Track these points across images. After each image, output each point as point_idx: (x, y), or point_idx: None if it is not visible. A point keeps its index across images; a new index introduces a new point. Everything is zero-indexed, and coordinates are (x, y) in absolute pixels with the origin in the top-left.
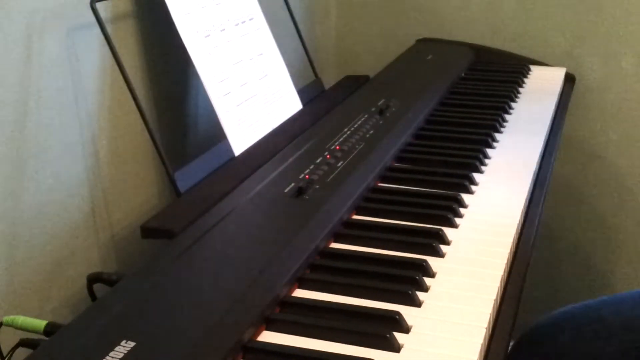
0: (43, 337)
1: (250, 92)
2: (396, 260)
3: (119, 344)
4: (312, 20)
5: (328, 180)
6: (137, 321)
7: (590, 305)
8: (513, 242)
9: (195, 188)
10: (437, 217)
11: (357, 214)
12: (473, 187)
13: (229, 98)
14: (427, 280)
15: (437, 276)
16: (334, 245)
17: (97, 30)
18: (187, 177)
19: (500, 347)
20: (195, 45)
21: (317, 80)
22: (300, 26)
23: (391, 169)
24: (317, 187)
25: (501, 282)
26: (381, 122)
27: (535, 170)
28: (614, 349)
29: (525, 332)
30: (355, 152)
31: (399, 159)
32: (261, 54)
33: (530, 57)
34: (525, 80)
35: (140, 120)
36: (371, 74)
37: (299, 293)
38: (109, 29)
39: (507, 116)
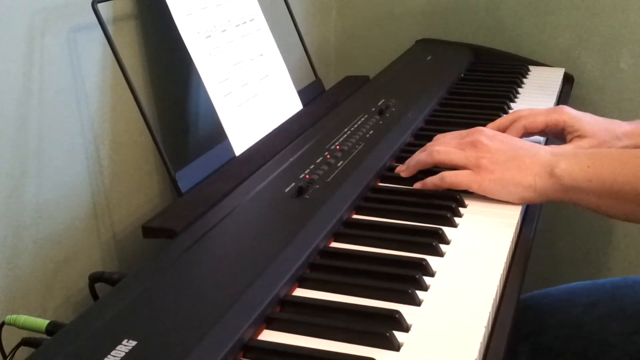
0: (45, 336)
1: (250, 92)
2: (396, 259)
3: (120, 343)
4: (312, 20)
5: (328, 180)
6: (138, 320)
7: (604, 284)
8: (512, 241)
9: (197, 188)
10: (436, 217)
11: (357, 214)
12: None
13: (229, 98)
14: (427, 280)
15: (436, 275)
16: (334, 244)
17: (99, 30)
18: (188, 177)
19: (499, 346)
20: (196, 46)
21: (317, 81)
22: (300, 27)
23: (391, 169)
24: (317, 186)
25: (500, 280)
26: (381, 122)
27: None
28: (629, 332)
29: (538, 294)
30: (355, 152)
31: (398, 159)
32: (262, 55)
33: (529, 57)
34: (525, 80)
35: (142, 121)
36: (371, 75)
37: (299, 292)
38: (111, 29)
39: None
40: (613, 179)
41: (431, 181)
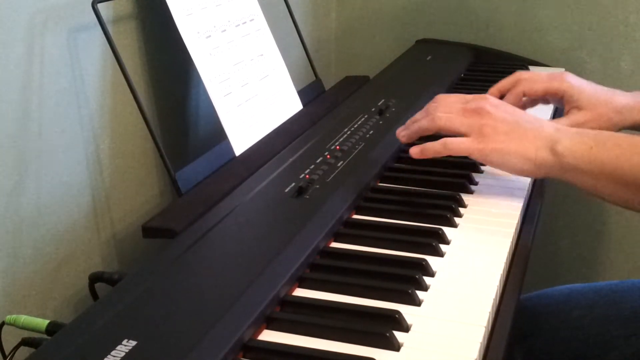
0: (45, 336)
1: (250, 92)
2: (396, 259)
3: (120, 343)
4: (312, 20)
5: (328, 180)
6: (138, 320)
7: (603, 287)
8: (512, 241)
9: (196, 188)
10: (436, 217)
11: (357, 214)
12: (472, 187)
13: (229, 98)
14: (427, 280)
15: (436, 275)
16: (334, 244)
17: (99, 30)
18: (188, 177)
19: (499, 346)
20: (196, 46)
21: (317, 81)
22: (300, 27)
23: (391, 169)
24: (317, 186)
25: (500, 280)
26: (381, 122)
27: None
28: (627, 335)
29: (535, 296)
30: (355, 152)
31: (398, 159)
32: (262, 55)
33: (529, 57)
34: None
35: (142, 121)
36: (371, 75)
37: (300, 292)
38: (111, 29)
39: None
40: (615, 165)
41: (432, 147)
